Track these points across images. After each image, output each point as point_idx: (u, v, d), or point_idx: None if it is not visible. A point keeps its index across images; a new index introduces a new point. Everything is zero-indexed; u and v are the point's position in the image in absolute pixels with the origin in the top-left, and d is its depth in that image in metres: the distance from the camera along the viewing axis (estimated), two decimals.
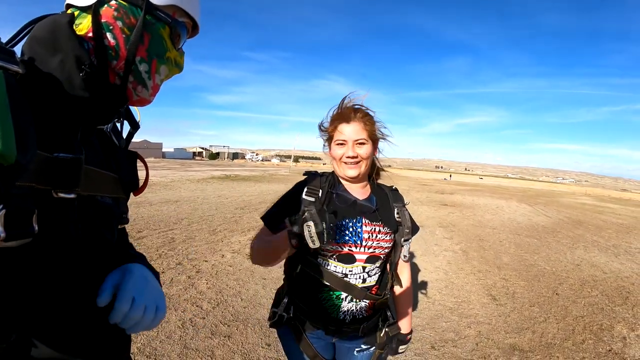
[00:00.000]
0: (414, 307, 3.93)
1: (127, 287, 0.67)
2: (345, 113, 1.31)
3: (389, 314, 1.46)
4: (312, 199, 1.27)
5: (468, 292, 4.56)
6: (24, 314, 0.56)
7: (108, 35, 0.68)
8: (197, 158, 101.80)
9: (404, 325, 1.46)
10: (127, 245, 0.91)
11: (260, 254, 1.27)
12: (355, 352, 1.40)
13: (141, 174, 0.87)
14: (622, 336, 3.58)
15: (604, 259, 6.83)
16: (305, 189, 1.30)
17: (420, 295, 4.30)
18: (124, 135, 0.86)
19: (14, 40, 0.65)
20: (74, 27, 0.67)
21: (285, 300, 1.35)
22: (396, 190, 1.46)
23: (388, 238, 1.32)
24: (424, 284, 4.69)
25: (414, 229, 1.40)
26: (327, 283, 1.27)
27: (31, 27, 0.66)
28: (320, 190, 1.30)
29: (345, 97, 1.35)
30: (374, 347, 1.41)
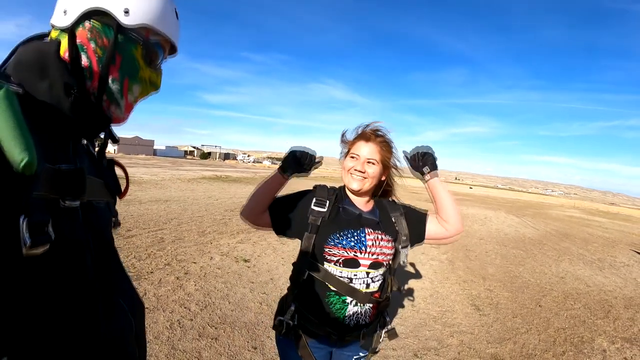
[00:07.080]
0: (398, 315, 3.98)
1: None
2: (367, 133, 1.41)
3: (387, 319, 1.51)
4: (320, 209, 1.37)
5: (452, 301, 4.63)
6: (36, 326, 0.56)
7: (83, 56, 0.71)
8: (189, 157, 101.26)
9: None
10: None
11: (258, 193, 1.41)
12: None
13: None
14: (602, 349, 3.67)
15: (588, 272, 6.96)
16: (314, 200, 1.39)
17: (405, 303, 4.35)
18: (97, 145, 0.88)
19: (4, 64, 0.68)
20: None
21: (292, 307, 1.38)
22: (394, 201, 1.54)
23: (390, 245, 1.39)
24: (409, 292, 4.74)
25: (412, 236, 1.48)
26: (333, 287, 1.32)
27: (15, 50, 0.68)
28: (328, 202, 1.39)
29: (374, 122, 1.43)
30: (368, 353, 1.46)
